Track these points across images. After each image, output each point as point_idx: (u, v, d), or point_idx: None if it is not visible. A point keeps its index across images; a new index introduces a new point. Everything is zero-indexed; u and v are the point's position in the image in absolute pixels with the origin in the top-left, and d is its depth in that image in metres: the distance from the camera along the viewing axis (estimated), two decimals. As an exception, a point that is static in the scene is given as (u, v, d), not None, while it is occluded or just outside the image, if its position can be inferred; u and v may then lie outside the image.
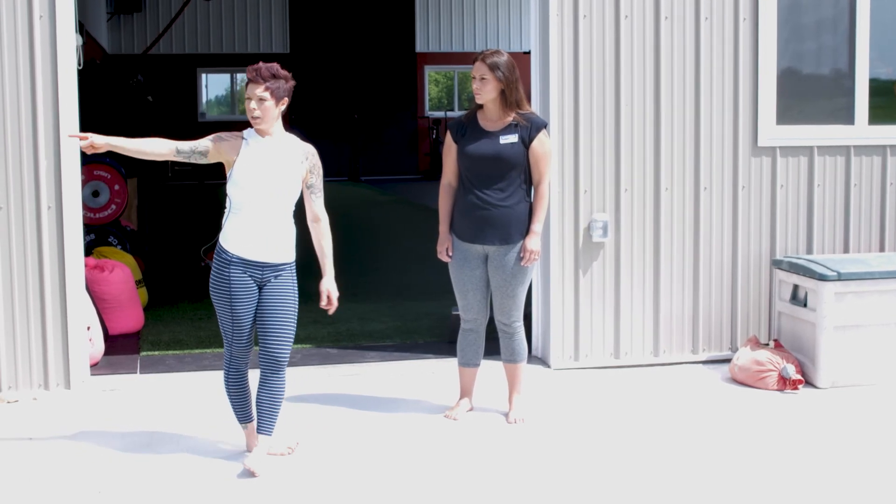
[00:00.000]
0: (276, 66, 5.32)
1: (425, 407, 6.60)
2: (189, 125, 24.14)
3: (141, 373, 7.45)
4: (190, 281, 10.89)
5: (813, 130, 7.83)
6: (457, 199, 6.22)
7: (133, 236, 11.05)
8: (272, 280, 5.38)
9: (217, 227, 5.52)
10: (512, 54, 6.19)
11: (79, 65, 7.04)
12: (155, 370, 7.50)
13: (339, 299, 5.59)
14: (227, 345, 5.48)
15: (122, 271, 8.63)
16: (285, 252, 5.40)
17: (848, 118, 7.91)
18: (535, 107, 7.24)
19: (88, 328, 7.29)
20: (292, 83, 5.39)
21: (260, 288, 5.38)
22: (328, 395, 6.85)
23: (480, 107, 6.18)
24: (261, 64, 5.31)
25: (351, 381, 7.22)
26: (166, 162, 20.31)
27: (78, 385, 6.92)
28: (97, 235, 10.33)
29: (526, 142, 6.06)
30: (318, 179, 5.50)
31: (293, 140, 5.46)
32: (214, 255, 5.41)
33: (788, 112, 7.78)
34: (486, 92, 6.05)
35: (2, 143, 6.73)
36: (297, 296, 5.47)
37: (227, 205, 5.38)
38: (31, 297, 6.82)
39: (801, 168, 7.82)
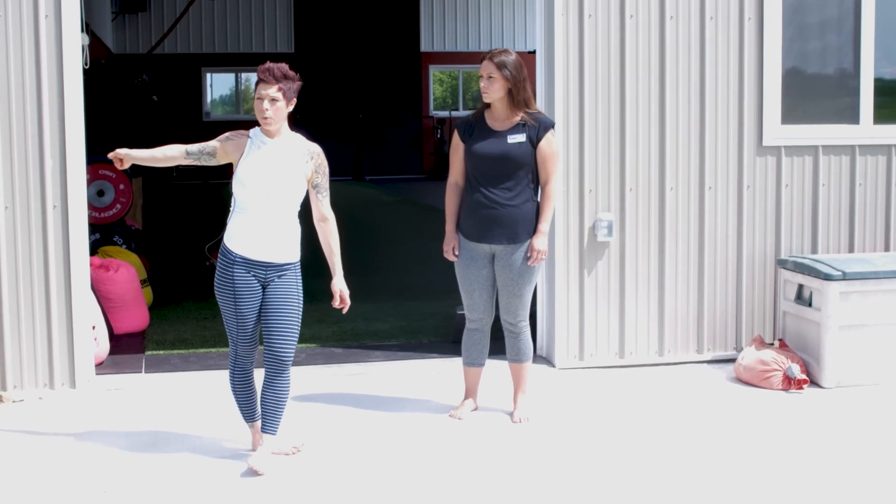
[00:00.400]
0: (285, 66, 5.34)
1: (430, 406, 6.61)
2: (194, 125, 24.19)
3: (146, 372, 7.45)
4: (195, 280, 10.90)
5: (818, 130, 7.82)
6: (463, 199, 6.21)
7: (138, 236, 11.05)
8: (276, 280, 5.38)
9: (221, 227, 5.53)
10: (517, 54, 6.17)
11: (85, 64, 7.05)
12: (160, 369, 7.51)
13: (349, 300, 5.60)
14: (231, 344, 5.49)
15: (127, 271, 8.64)
16: (289, 252, 5.40)
17: (853, 118, 7.90)
18: (540, 106, 7.23)
19: (93, 327, 7.29)
20: (300, 83, 5.41)
21: (264, 287, 5.39)
22: (333, 395, 6.86)
23: (488, 106, 6.16)
24: (272, 64, 5.32)
25: (356, 381, 7.22)
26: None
27: (83, 384, 6.93)
28: (102, 235, 10.33)
29: (534, 141, 6.04)
30: (323, 179, 5.50)
31: (299, 140, 5.46)
32: (219, 255, 5.42)
33: (793, 111, 7.77)
34: (494, 91, 6.03)
35: (7, 142, 6.74)
36: (301, 295, 5.47)
37: (232, 204, 5.39)
38: (37, 296, 6.83)
39: (806, 167, 7.81)
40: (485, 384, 6.61)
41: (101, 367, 7.45)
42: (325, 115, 24.99)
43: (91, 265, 7.57)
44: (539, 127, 6.05)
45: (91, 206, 10.07)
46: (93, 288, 7.47)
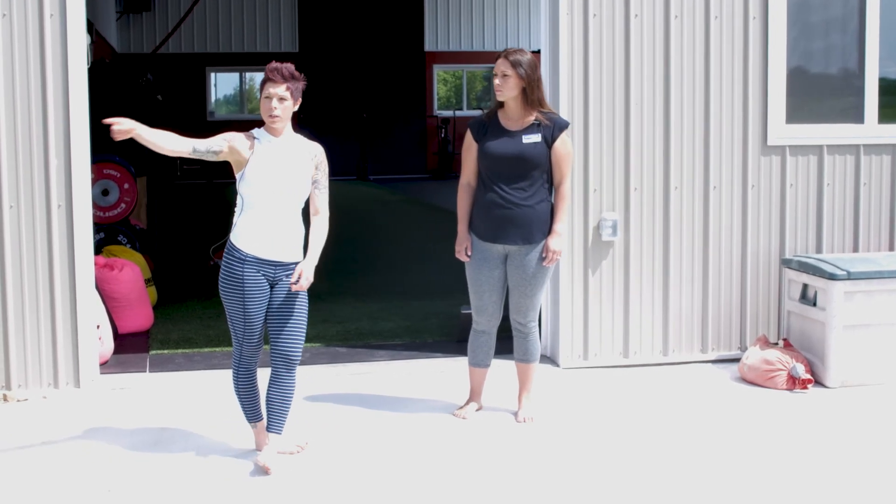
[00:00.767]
0: (292, 66, 5.36)
1: (434, 406, 6.60)
2: (198, 124, 24.17)
3: (150, 371, 7.46)
4: (199, 279, 10.91)
5: (822, 129, 7.82)
6: (476, 199, 6.16)
7: (142, 235, 11.06)
8: (284, 279, 5.39)
9: (226, 226, 5.53)
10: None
11: (87, 64, 7.05)
12: (164, 369, 7.51)
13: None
14: (236, 344, 5.49)
15: (131, 270, 8.64)
16: (296, 251, 5.42)
17: (858, 117, 7.90)
18: (544, 106, 7.24)
19: (98, 327, 7.30)
20: (305, 84, 5.43)
21: (271, 287, 5.39)
22: (337, 394, 6.86)
23: (501, 105, 6.11)
24: (280, 64, 5.34)
25: (360, 380, 7.22)
26: (175, 161, 20.37)
27: (87, 384, 6.94)
28: (107, 234, 10.34)
29: (548, 142, 6.01)
30: (322, 176, 5.53)
31: (302, 139, 5.49)
32: (224, 254, 5.41)
33: (798, 111, 7.77)
34: (508, 89, 5.97)
35: (13, 141, 6.74)
36: (307, 294, 5.48)
37: (239, 204, 5.39)
38: (41, 295, 6.83)
39: (811, 167, 7.80)
40: (489, 383, 6.61)
41: (105, 366, 7.45)
42: (329, 114, 24.98)
43: (95, 264, 7.58)
44: (554, 127, 6.02)
45: (95, 206, 10.09)
46: (97, 287, 7.48)
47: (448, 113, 27.04)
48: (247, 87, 26.78)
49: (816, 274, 7.21)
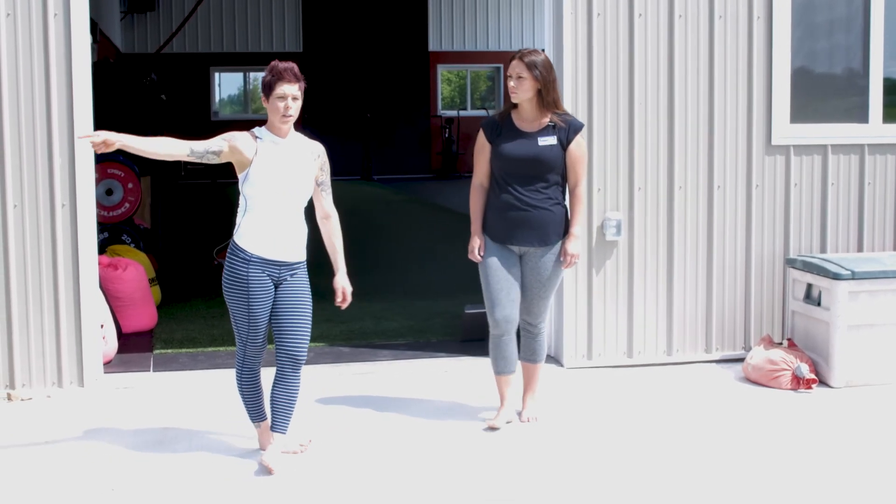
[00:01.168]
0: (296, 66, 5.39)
1: (437, 405, 6.60)
2: (202, 124, 24.18)
3: (154, 371, 7.46)
4: (203, 279, 10.91)
5: (827, 129, 7.81)
6: (489, 200, 6.07)
7: (146, 234, 11.07)
8: (288, 279, 5.39)
9: (229, 226, 5.52)
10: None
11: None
12: (168, 368, 7.52)
13: (351, 297, 5.60)
14: (240, 344, 5.49)
15: (135, 269, 8.65)
16: (300, 250, 5.42)
17: (862, 117, 7.89)
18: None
19: (102, 326, 7.30)
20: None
21: (275, 287, 5.39)
22: (341, 394, 6.86)
23: (514, 106, 6.04)
24: (291, 64, 5.33)
25: (363, 380, 7.22)
26: (179, 161, 20.40)
27: (91, 383, 6.94)
28: (111, 234, 10.35)
29: (564, 144, 5.96)
30: (327, 177, 5.54)
31: (303, 138, 5.49)
32: (228, 254, 5.40)
33: (802, 110, 7.76)
34: (523, 91, 5.90)
35: (17, 141, 6.75)
36: (311, 294, 5.48)
37: (242, 204, 5.38)
38: (45, 294, 6.84)
39: (815, 167, 7.79)
40: (491, 383, 6.59)
41: (109, 365, 7.46)
42: (333, 114, 24.99)
43: (99, 264, 7.59)
44: (569, 129, 5.97)
45: (99, 205, 10.09)
46: (101, 287, 7.49)
47: (452, 113, 27.04)
48: (251, 87, 26.80)
49: (821, 274, 7.20)
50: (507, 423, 6.16)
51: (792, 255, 7.73)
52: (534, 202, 5.94)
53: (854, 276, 7.05)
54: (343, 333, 8.59)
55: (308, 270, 5.50)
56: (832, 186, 7.82)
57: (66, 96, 6.79)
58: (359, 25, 25.37)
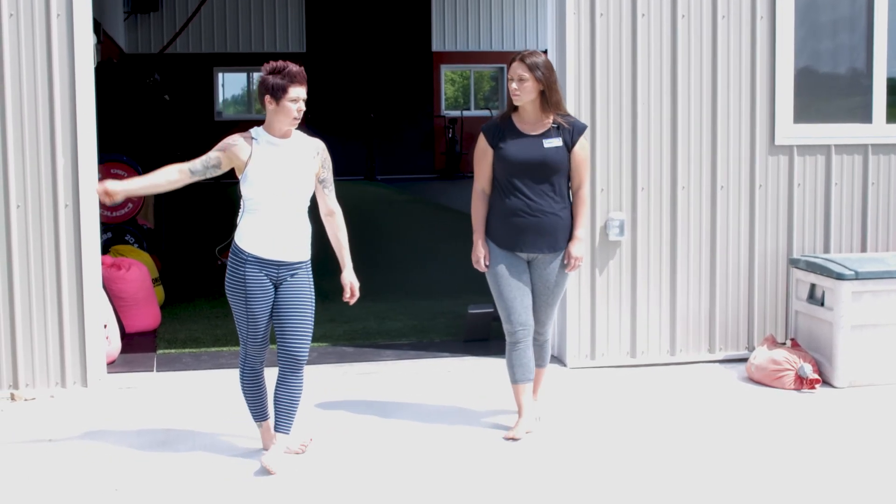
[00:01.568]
0: None
1: (440, 406, 6.60)
2: (205, 124, 24.24)
3: (157, 371, 7.46)
4: (206, 279, 10.91)
5: (830, 129, 7.80)
6: (493, 205, 5.93)
7: (150, 235, 11.07)
8: (288, 279, 5.38)
9: (232, 226, 5.53)
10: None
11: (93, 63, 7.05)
12: (171, 368, 7.52)
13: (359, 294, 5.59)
14: (242, 343, 5.49)
15: (138, 269, 8.65)
16: (301, 250, 5.40)
17: (866, 117, 7.88)
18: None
19: (105, 326, 7.31)
20: None
21: (276, 287, 5.39)
22: (344, 394, 6.86)
23: (514, 109, 5.91)
24: (299, 66, 5.33)
25: (367, 380, 7.22)
26: (183, 161, 20.40)
27: (95, 383, 6.95)
28: (114, 234, 10.36)
29: (569, 145, 5.86)
30: (329, 173, 5.52)
31: (303, 137, 5.47)
32: (230, 254, 5.41)
33: (806, 110, 7.75)
34: (526, 93, 5.77)
35: (20, 141, 6.75)
36: (313, 294, 5.47)
37: (242, 204, 5.38)
38: (49, 295, 6.84)
39: (819, 166, 7.79)
40: (494, 383, 6.60)
41: (112, 365, 7.46)
42: (336, 114, 25.01)
43: (103, 264, 7.58)
44: (573, 131, 5.86)
45: (103, 206, 10.09)
46: (104, 287, 7.49)
47: (455, 113, 27.04)
48: (254, 87, 26.79)
49: (824, 274, 7.19)
50: (527, 433, 5.99)
51: (795, 255, 7.73)
52: (543, 207, 5.83)
53: (857, 277, 7.04)
54: (346, 333, 8.59)
55: (312, 270, 5.51)
56: (836, 186, 7.81)
57: (68, 96, 6.79)
58: (362, 26, 25.38)
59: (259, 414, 5.61)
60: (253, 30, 25.38)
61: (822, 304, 7.24)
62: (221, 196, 18.12)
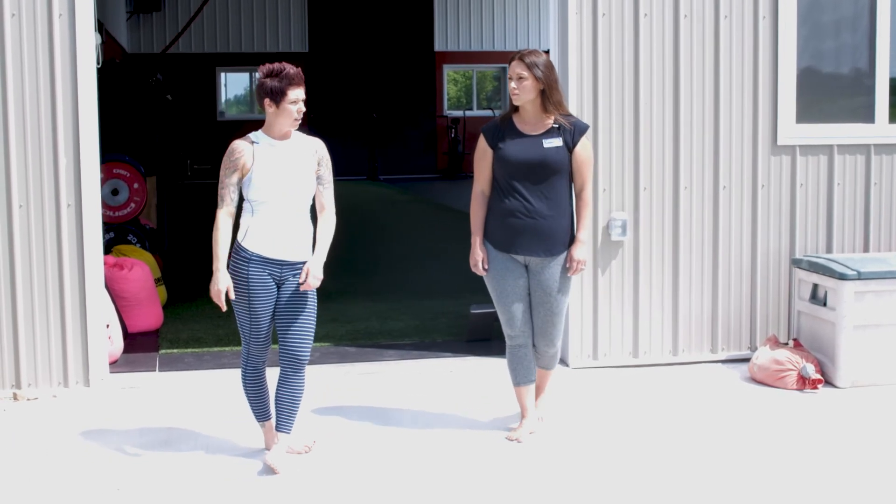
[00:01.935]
0: None
1: (443, 406, 6.60)
2: (208, 124, 24.27)
3: (160, 370, 7.47)
4: (209, 279, 10.89)
5: (833, 129, 7.80)
6: (492, 207, 5.80)
7: (152, 234, 11.08)
8: (290, 278, 5.38)
9: (234, 226, 5.53)
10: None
11: (97, 63, 7.07)
12: (174, 368, 7.53)
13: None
14: (244, 343, 5.49)
15: (141, 269, 8.66)
16: (303, 250, 5.41)
17: (868, 117, 7.87)
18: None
19: (108, 326, 7.31)
20: None
21: (278, 286, 5.39)
22: (346, 394, 6.86)
23: (515, 109, 5.80)
24: (297, 68, 5.33)
25: (369, 380, 7.22)
26: (185, 160, 20.40)
27: (97, 383, 6.95)
28: (116, 233, 10.36)
29: (569, 146, 5.72)
30: (326, 171, 5.51)
31: (301, 136, 5.48)
32: (233, 254, 5.41)
33: (808, 110, 7.75)
34: (525, 92, 5.65)
35: (22, 141, 6.76)
36: (315, 294, 5.48)
37: (245, 206, 5.38)
38: (51, 294, 6.85)
39: (821, 167, 7.78)
40: (497, 383, 6.60)
41: (114, 365, 7.47)
42: (339, 114, 25.03)
43: (105, 264, 7.60)
44: (574, 131, 5.71)
45: (105, 205, 10.10)
46: (107, 286, 7.50)
47: (458, 113, 27.05)
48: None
49: (827, 274, 7.19)
50: (531, 434, 5.99)
51: (798, 256, 7.72)
52: (539, 209, 5.70)
53: (860, 277, 7.04)
54: (349, 333, 8.59)
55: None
56: (838, 186, 7.80)
57: (71, 96, 6.80)
58: (365, 26, 25.39)
59: (261, 414, 5.61)
60: (255, 30, 25.39)
61: (825, 305, 7.24)
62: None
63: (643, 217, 7.49)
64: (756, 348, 7.63)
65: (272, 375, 5.56)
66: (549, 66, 5.70)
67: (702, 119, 7.54)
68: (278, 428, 5.47)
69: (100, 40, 7.40)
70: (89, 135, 6.84)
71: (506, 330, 5.92)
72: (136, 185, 10.44)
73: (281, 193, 5.30)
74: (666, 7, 7.43)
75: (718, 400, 6.81)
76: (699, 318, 7.66)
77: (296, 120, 5.33)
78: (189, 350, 8.04)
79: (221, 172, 5.36)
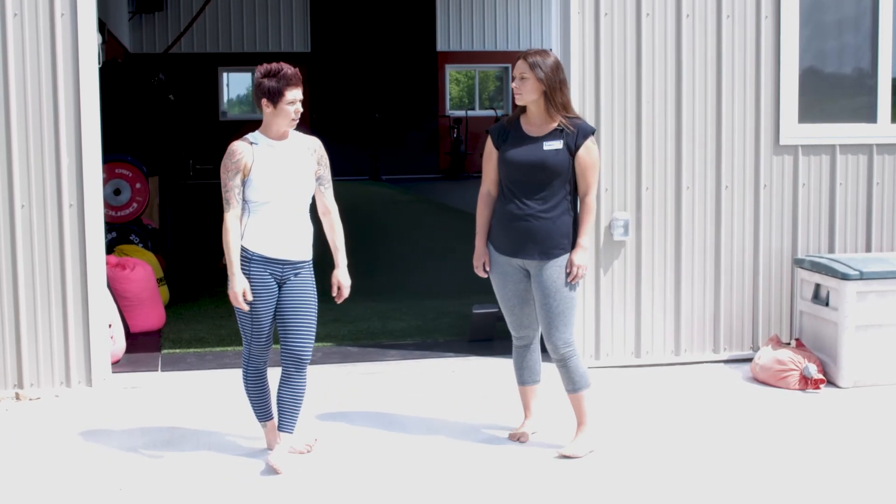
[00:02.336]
0: None
1: (445, 406, 6.60)
2: (210, 124, 24.26)
3: (162, 370, 7.47)
4: (211, 279, 10.92)
5: (835, 129, 7.79)
6: (495, 209, 5.73)
7: (154, 234, 11.09)
8: (292, 278, 5.39)
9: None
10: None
11: (98, 63, 7.07)
12: (176, 368, 7.53)
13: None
14: (246, 343, 5.49)
15: (143, 269, 8.66)
16: (304, 249, 5.41)
17: (870, 116, 7.87)
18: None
19: (110, 326, 7.31)
20: None
21: (280, 286, 5.39)
22: (348, 394, 6.86)
23: (524, 110, 5.71)
24: (294, 68, 5.34)
25: (371, 380, 7.22)
26: (187, 160, 20.40)
27: (99, 382, 6.95)
28: (119, 233, 10.37)
29: (571, 149, 5.55)
30: (326, 171, 5.52)
31: (299, 135, 5.48)
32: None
33: (810, 110, 7.74)
34: (527, 92, 5.54)
35: (24, 140, 6.76)
36: (316, 294, 5.48)
37: (245, 206, 5.38)
38: (53, 294, 6.85)
39: (824, 166, 7.78)
40: (499, 383, 6.60)
41: (117, 365, 7.47)
42: (341, 114, 25.01)
43: (107, 264, 7.60)
44: (578, 133, 5.55)
45: (107, 205, 10.12)
46: (109, 286, 7.50)
47: (460, 113, 27.03)
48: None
49: (829, 274, 7.18)
50: (533, 433, 5.96)
51: (800, 256, 7.72)
52: (537, 212, 5.57)
53: (862, 277, 7.04)
54: (351, 333, 8.60)
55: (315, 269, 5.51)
56: (840, 186, 7.80)
57: (73, 96, 6.80)
58: (367, 26, 25.38)
59: (263, 414, 5.61)
60: (258, 30, 25.38)
61: (827, 304, 7.24)
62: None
63: (645, 217, 7.49)
64: (758, 348, 7.63)
65: (274, 375, 5.56)
66: (555, 68, 5.56)
67: (704, 119, 7.53)
68: (280, 428, 5.47)
69: (101, 40, 7.41)
70: (91, 135, 6.84)
71: (512, 331, 5.90)
72: (138, 185, 10.44)
73: (281, 193, 5.30)
74: (668, 7, 7.43)
75: (721, 400, 6.81)
76: (701, 317, 7.66)
77: (293, 120, 5.34)
78: (191, 350, 8.04)
79: (223, 175, 5.34)
